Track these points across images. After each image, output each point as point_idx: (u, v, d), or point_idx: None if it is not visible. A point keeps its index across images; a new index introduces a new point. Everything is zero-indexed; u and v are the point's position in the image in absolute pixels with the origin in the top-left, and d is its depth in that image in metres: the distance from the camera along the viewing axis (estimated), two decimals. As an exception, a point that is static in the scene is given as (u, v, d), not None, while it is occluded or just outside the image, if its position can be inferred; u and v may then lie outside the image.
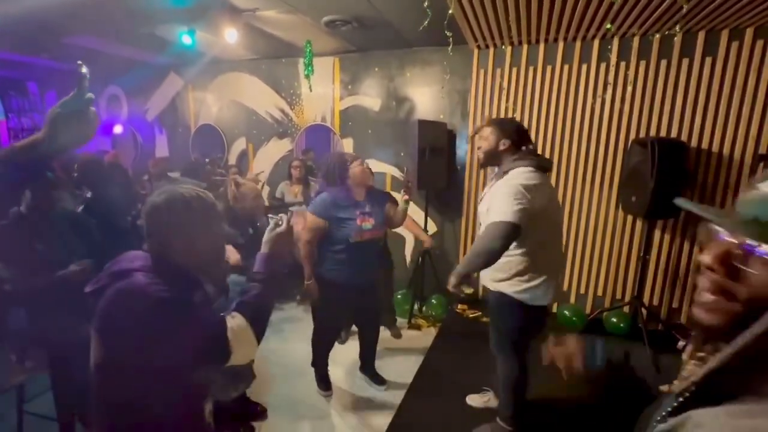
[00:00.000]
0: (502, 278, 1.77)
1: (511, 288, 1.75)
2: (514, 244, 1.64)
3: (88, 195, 2.17)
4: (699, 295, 0.50)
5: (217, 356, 0.92)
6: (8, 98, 5.90)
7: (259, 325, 0.99)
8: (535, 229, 1.63)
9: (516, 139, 1.71)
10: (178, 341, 0.87)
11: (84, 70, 0.97)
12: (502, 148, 1.72)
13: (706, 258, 0.48)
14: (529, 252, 1.70)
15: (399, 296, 3.55)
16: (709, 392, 0.45)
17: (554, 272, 1.80)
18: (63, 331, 1.69)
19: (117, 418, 0.94)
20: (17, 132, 5.96)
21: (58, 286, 1.67)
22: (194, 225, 0.98)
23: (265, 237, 1.14)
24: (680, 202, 0.58)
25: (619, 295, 3.33)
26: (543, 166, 1.71)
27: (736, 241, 0.45)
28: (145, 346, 0.86)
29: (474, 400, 2.32)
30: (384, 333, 3.15)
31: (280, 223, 1.16)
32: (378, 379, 2.52)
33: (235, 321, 0.95)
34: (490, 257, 1.60)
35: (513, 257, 1.71)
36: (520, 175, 1.65)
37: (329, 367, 2.49)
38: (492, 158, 1.77)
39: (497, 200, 1.62)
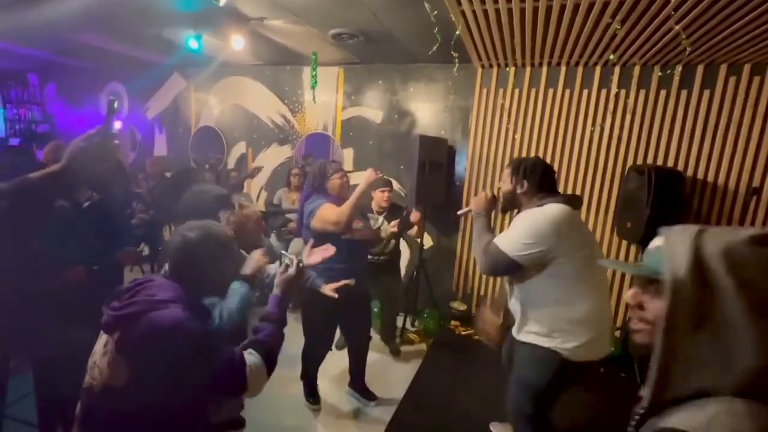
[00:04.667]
0: (539, 332, 1.55)
1: (550, 342, 1.53)
2: (553, 292, 1.51)
3: (94, 195, 2.13)
4: (632, 323, 0.69)
5: (235, 389, 0.99)
6: (7, 89, 5.85)
7: (270, 363, 1.06)
8: (575, 275, 1.47)
9: (536, 181, 1.57)
10: (203, 374, 0.93)
11: (116, 105, 0.96)
12: (519, 191, 1.60)
13: (627, 297, 0.70)
14: (570, 302, 1.50)
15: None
16: (659, 405, 0.61)
17: (601, 325, 1.55)
18: (51, 336, 1.66)
19: None
20: (14, 123, 5.90)
21: (49, 288, 1.64)
22: (223, 262, 1.07)
23: (277, 279, 1.18)
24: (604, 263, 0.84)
25: (610, 319, 3.35)
26: (573, 203, 1.54)
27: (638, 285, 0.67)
28: (172, 375, 0.90)
29: (496, 427, 2.22)
30: (378, 347, 3.13)
31: (291, 264, 1.19)
32: (368, 395, 2.50)
33: (252, 358, 1.01)
34: (478, 263, 1.55)
35: (552, 308, 1.52)
36: (554, 209, 1.48)
37: (318, 380, 2.46)
38: (510, 202, 1.65)
39: (517, 224, 1.52)
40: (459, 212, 1.98)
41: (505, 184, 1.66)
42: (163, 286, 0.99)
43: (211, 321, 1.06)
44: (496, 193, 1.72)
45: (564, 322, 1.50)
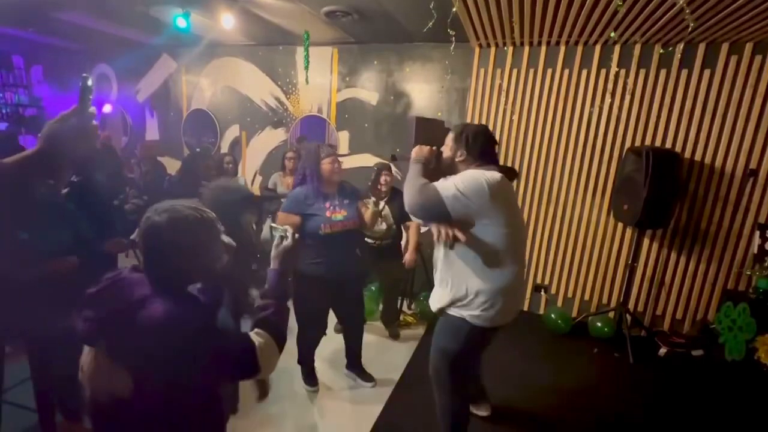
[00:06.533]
0: (454, 299, 1.60)
1: (461, 311, 1.59)
2: (474, 258, 1.53)
3: (74, 179, 2.09)
4: None
5: (248, 373, 0.98)
6: (-9, 71, 5.68)
7: (280, 339, 1.05)
8: (496, 243, 1.50)
9: (475, 150, 1.58)
10: (210, 366, 0.90)
11: (90, 83, 0.89)
12: (459, 158, 1.61)
13: None
14: (488, 269, 1.53)
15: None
16: None
17: (515, 293, 1.63)
18: (44, 322, 1.64)
19: None
20: (0, 107, 5.75)
21: (40, 276, 1.62)
22: (196, 247, 0.96)
23: (273, 252, 1.15)
24: None
25: (605, 301, 3.38)
26: (508, 174, 1.58)
27: None
28: (179, 375, 0.87)
29: None
30: (376, 329, 3.16)
31: (286, 236, 1.15)
32: (365, 377, 2.52)
33: (261, 339, 0.99)
34: (408, 201, 1.54)
35: (471, 274, 1.55)
36: (494, 175, 1.50)
37: (316, 363, 2.48)
38: (450, 167, 1.65)
39: (459, 177, 1.52)
40: (395, 154, 2.02)
41: (447, 149, 1.65)
42: (137, 283, 0.92)
43: (199, 308, 0.97)
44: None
45: (480, 289, 1.54)
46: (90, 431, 0.95)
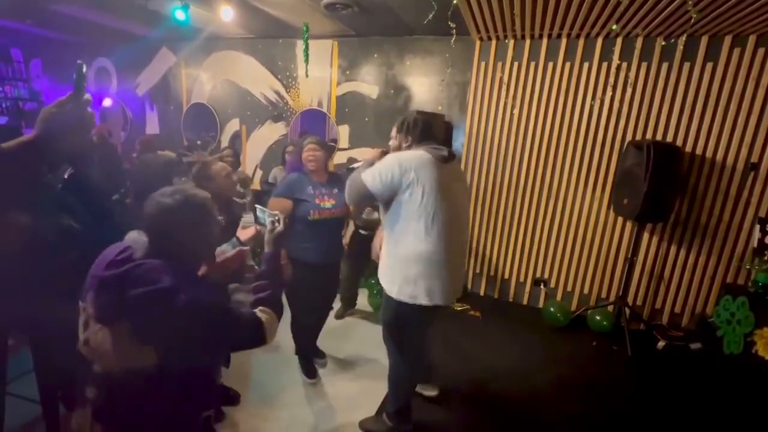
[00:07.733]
0: (385, 276, 1.75)
1: (391, 290, 1.70)
2: (389, 240, 1.70)
3: (68, 173, 2.08)
4: None
5: (257, 344, 1.09)
6: (-10, 65, 5.66)
7: (279, 310, 1.17)
8: (409, 216, 1.59)
9: (416, 136, 1.72)
10: (227, 343, 1.05)
11: (84, 69, 0.89)
12: (405, 145, 1.76)
13: None
14: (401, 249, 1.64)
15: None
16: None
17: (444, 271, 1.64)
18: (46, 313, 1.66)
19: (139, 413, 0.97)
20: (0, 101, 5.74)
21: (41, 267, 1.63)
22: (207, 224, 1.04)
23: (267, 237, 1.24)
24: None
25: (604, 294, 3.39)
26: (440, 155, 1.63)
27: None
28: (204, 351, 0.97)
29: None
30: (376, 320, 3.17)
31: (277, 222, 1.23)
32: (319, 353, 2.59)
33: (266, 315, 1.10)
34: (345, 193, 1.74)
35: (396, 254, 1.66)
36: (412, 152, 1.63)
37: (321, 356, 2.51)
38: None
39: (381, 162, 1.67)
40: (353, 165, 2.12)
41: (393, 140, 1.82)
42: (157, 269, 0.93)
43: (213, 289, 1.06)
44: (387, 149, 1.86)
45: (395, 269, 1.67)
46: (91, 414, 0.98)
